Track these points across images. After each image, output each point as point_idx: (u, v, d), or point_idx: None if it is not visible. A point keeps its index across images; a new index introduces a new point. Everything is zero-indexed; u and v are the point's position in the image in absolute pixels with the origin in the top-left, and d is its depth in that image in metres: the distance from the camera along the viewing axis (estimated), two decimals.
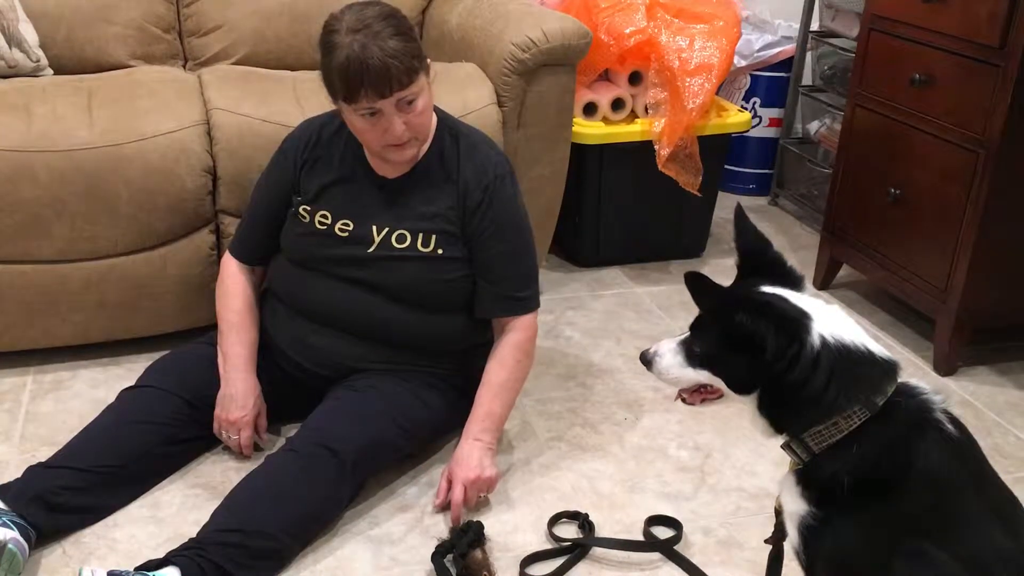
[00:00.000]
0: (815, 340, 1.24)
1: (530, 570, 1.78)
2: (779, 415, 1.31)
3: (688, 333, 1.38)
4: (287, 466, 1.81)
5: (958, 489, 1.24)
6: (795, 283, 1.36)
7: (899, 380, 1.28)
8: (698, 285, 1.31)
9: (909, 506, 1.23)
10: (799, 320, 1.26)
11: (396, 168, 1.95)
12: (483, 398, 1.97)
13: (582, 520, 1.89)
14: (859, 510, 1.25)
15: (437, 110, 1.99)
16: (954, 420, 1.27)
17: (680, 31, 2.85)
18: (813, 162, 3.45)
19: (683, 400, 1.44)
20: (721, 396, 1.38)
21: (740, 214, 1.43)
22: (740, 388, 1.32)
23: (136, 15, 2.63)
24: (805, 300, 1.31)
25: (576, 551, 1.82)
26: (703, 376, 1.36)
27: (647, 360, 1.42)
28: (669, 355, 1.39)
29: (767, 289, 1.33)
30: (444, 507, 1.91)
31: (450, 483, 1.90)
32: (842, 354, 1.25)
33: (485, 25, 2.58)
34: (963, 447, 1.26)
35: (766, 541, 1.52)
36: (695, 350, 1.36)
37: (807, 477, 1.31)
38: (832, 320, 1.28)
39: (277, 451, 1.87)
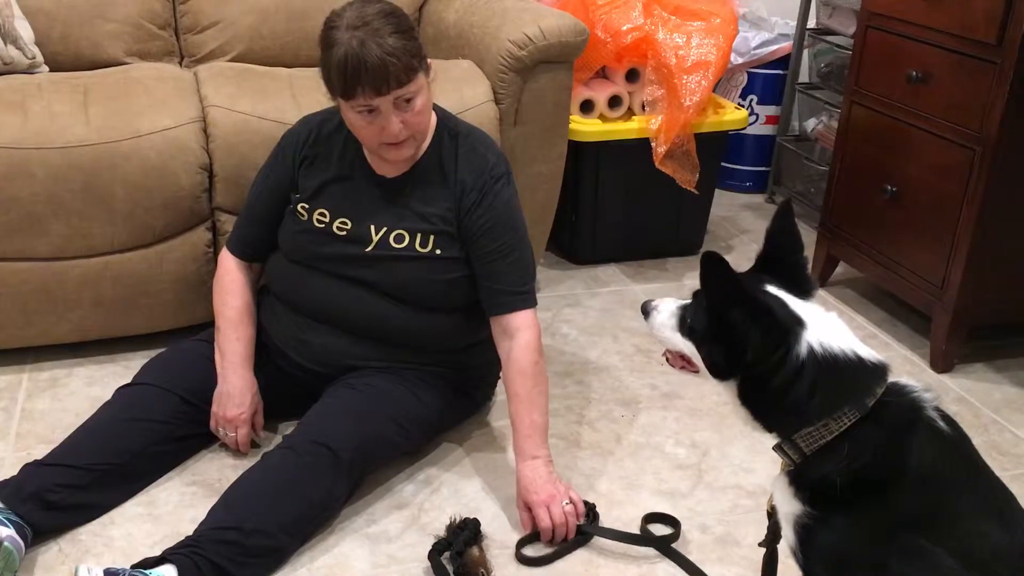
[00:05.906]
0: (802, 349, 1.25)
1: (526, 551, 1.79)
2: (764, 416, 1.31)
3: (691, 300, 1.38)
4: (284, 464, 1.81)
5: (953, 485, 1.24)
6: (806, 291, 1.35)
7: (890, 380, 1.28)
8: (713, 271, 1.28)
9: (904, 503, 1.23)
10: (790, 328, 1.26)
11: (394, 167, 1.95)
12: (520, 413, 1.89)
13: (588, 509, 1.89)
14: (855, 508, 1.25)
15: (437, 109, 1.99)
16: (946, 417, 1.27)
17: (677, 28, 2.85)
18: (810, 159, 3.45)
19: (667, 360, 1.46)
20: (698, 372, 1.39)
21: (787, 209, 1.39)
22: (717, 373, 1.33)
23: (132, 12, 2.62)
24: (805, 307, 1.30)
25: (576, 536, 1.83)
26: (688, 347, 1.38)
27: (646, 311, 1.44)
28: (666, 314, 1.41)
29: (772, 290, 1.32)
30: (535, 535, 1.83)
31: (530, 511, 1.84)
32: (828, 363, 1.25)
33: (482, 22, 2.57)
34: (956, 443, 1.26)
35: (760, 544, 1.52)
36: (688, 320, 1.37)
37: (799, 478, 1.31)
38: (825, 328, 1.28)
39: (274, 449, 1.87)
